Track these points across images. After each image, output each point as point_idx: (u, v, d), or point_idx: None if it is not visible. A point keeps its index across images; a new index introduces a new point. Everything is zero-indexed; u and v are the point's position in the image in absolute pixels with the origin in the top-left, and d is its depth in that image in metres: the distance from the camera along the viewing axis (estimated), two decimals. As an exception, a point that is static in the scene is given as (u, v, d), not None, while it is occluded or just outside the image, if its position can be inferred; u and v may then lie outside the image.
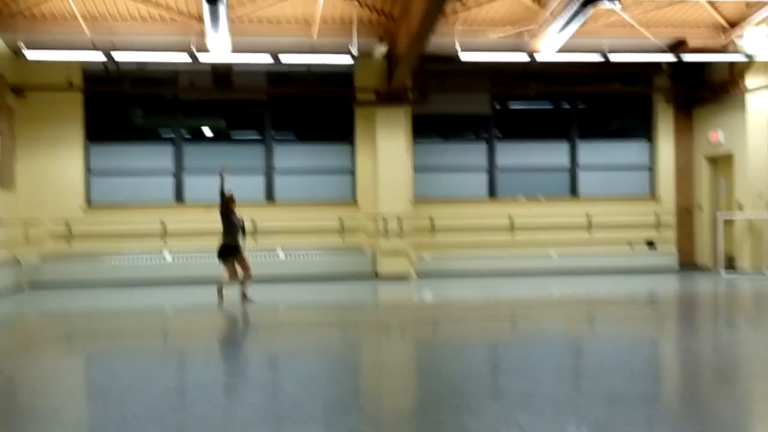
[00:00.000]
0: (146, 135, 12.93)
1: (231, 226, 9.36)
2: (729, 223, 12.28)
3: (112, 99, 12.44)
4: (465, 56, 10.94)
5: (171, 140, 12.54)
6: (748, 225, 12.08)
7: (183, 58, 10.78)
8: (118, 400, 4.25)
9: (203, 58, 10.76)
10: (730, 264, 12.24)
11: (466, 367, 5.22)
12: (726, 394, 4.36)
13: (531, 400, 4.06)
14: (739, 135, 12.17)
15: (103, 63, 11.41)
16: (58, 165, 12.00)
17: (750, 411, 4.04)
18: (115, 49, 10.78)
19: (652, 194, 13.43)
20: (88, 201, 12.22)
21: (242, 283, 9.10)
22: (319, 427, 3.59)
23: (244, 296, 9.03)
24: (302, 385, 4.64)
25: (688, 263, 13.19)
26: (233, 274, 9.14)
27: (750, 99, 12.00)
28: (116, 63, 11.44)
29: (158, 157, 12.47)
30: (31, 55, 10.62)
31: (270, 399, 4.31)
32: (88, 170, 12.25)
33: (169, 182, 12.46)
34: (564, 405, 3.99)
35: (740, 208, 12.23)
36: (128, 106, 12.88)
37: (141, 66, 11.75)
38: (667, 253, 13.14)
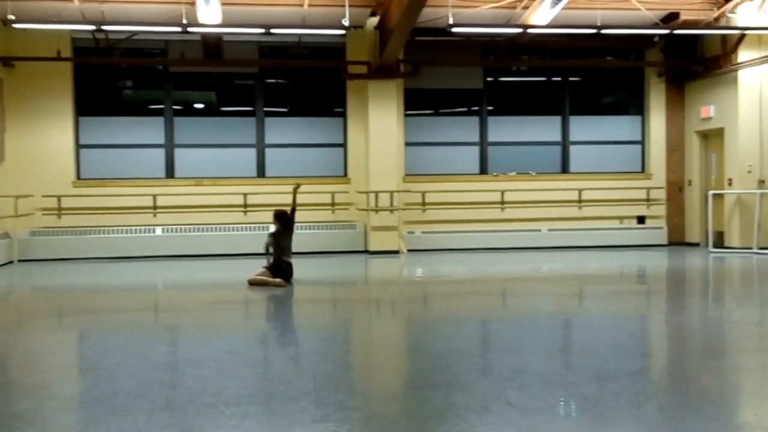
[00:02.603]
0: (136, 108, 12.81)
1: (290, 242, 8.57)
2: (718, 198, 12.35)
3: (102, 71, 12.30)
4: (457, 29, 10.83)
5: (161, 113, 12.42)
6: (737, 201, 12.15)
7: (173, 28, 10.62)
8: (109, 375, 4.26)
9: (194, 29, 10.60)
10: (720, 240, 12.33)
11: (456, 343, 5.26)
12: (712, 369, 4.43)
13: (520, 376, 4.11)
14: (730, 110, 12.17)
15: (92, 32, 11.23)
16: (49, 138, 11.88)
17: (736, 386, 4.10)
18: (105, 19, 10.60)
19: (643, 170, 13.46)
20: (79, 175, 12.13)
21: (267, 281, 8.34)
22: (309, 403, 3.62)
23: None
24: (292, 361, 4.66)
25: (677, 239, 13.28)
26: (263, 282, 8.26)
27: (742, 73, 11.98)
28: (106, 33, 11.27)
29: (149, 130, 12.38)
30: (19, 24, 10.41)
31: (260, 375, 4.33)
32: (78, 144, 12.14)
33: (159, 156, 12.38)
34: (553, 381, 4.04)
35: (730, 183, 12.28)
36: (118, 79, 12.74)
37: (131, 37, 11.58)
38: (657, 229, 13.23)
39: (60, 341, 5.72)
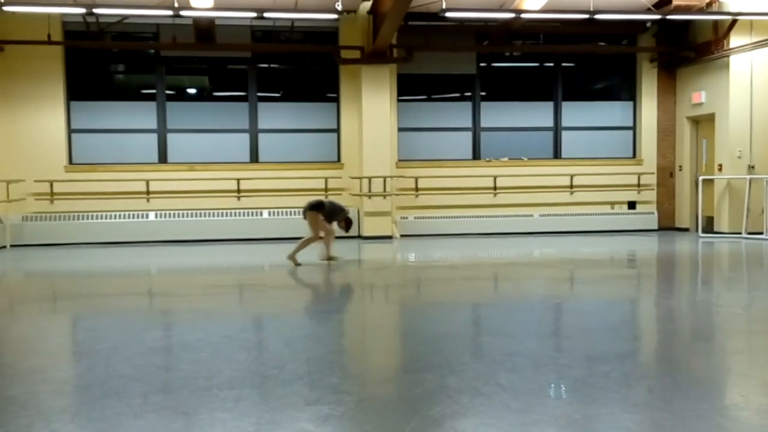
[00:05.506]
0: (128, 92, 12.74)
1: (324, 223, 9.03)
2: (708, 184, 12.43)
3: (93, 55, 12.21)
4: (450, 14, 10.78)
5: (154, 98, 12.35)
6: (727, 186, 12.23)
7: (165, 12, 10.52)
8: (103, 359, 4.28)
9: (185, 12, 10.50)
10: (709, 225, 12.43)
11: (449, 326, 5.31)
12: (701, 352, 4.50)
13: (512, 359, 4.16)
14: (721, 95, 12.22)
15: (83, 16, 11.12)
16: (40, 122, 11.81)
17: (723, 367, 4.16)
18: (95, 2, 10.50)
19: (634, 155, 13.52)
20: (71, 159, 12.07)
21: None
22: (303, 386, 3.66)
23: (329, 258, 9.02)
24: (286, 345, 4.70)
25: (668, 224, 13.38)
26: (313, 239, 8.87)
27: (733, 59, 12.01)
28: (97, 16, 11.16)
29: (141, 115, 12.32)
30: (9, 7, 10.27)
31: (254, 359, 4.37)
32: (70, 128, 12.07)
33: (152, 141, 12.33)
34: (544, 364, 4.09)
35: (720, 169, 12.36)
36: (110, 63, 12.65)
37: (122, 20, 11.48)
38: (648, 214, 13.31)
39: (53, 326, 5.73)
